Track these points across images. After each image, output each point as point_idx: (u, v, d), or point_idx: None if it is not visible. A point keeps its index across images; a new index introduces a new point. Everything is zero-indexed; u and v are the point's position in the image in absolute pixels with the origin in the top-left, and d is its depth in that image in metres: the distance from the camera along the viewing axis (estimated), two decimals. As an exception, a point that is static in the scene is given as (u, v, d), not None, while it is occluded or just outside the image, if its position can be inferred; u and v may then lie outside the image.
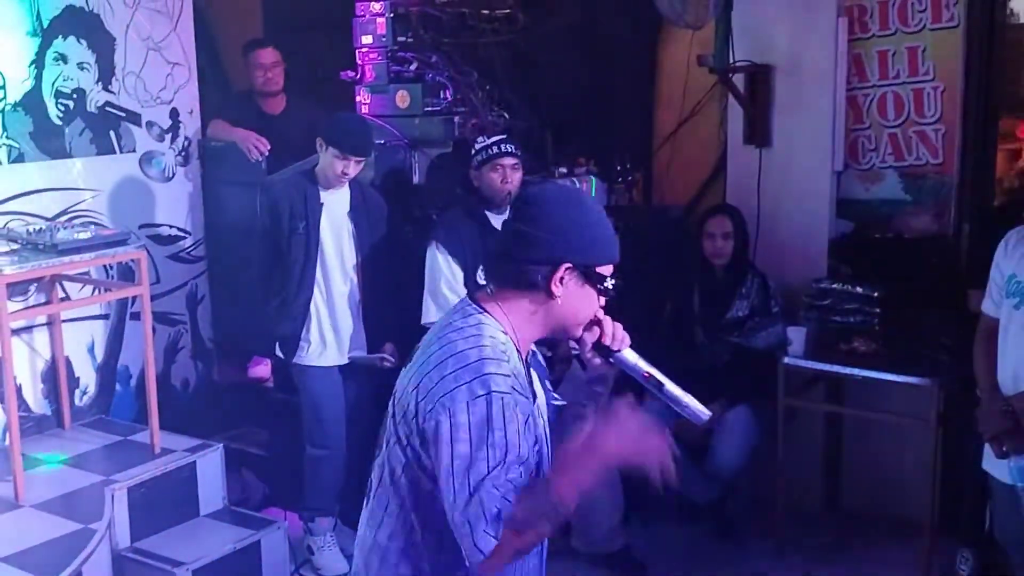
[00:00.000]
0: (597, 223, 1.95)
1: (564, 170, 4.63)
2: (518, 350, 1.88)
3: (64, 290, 4.50)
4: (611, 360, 1.93)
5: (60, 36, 4.49)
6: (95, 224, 4.53)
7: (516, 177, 3.87)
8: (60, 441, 4.46)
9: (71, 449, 4.36)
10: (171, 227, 4.98)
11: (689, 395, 1.92)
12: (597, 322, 1.94)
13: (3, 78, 4.33)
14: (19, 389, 4.43)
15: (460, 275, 3.80)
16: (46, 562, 3.44)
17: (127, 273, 4.57)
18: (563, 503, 1.75)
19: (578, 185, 4.50)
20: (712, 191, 4.89)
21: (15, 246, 4.04)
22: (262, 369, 5.05)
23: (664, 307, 4.36)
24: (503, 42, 4.75)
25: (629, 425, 1.77)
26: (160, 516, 3.99)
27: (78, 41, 4.57)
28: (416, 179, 4.43)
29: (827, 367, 4.04)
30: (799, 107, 4.45)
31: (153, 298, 4.72)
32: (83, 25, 4.57)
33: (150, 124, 4.89)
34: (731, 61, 4.40)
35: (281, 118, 5.12)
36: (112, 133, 4.75)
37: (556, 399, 2.05)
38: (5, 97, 4.34)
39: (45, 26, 4.43)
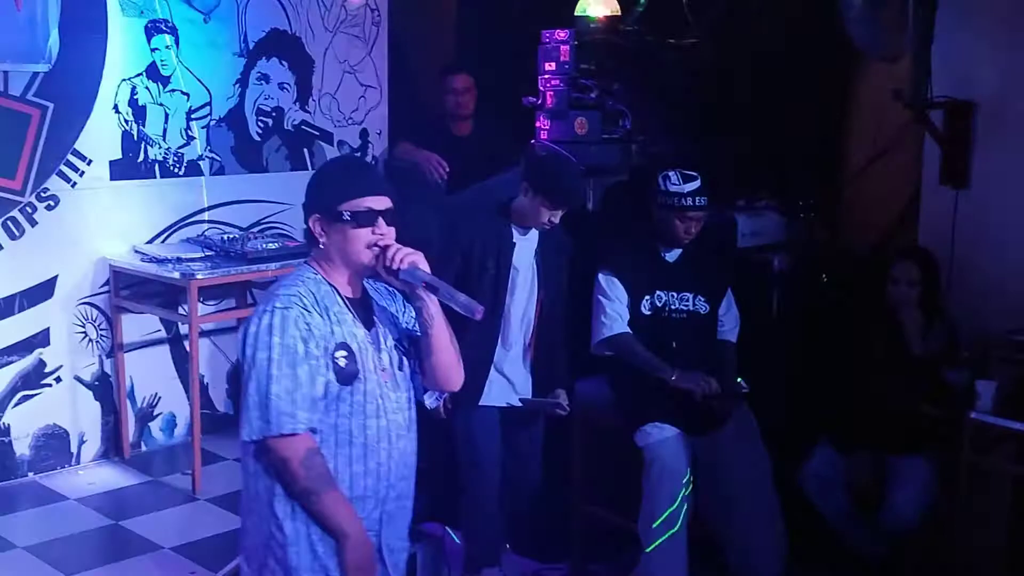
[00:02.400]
0: (332, 174, 2.39)
1: (743, 202, 4.51)
2: (336, 290, 2.29)
3: (253, 297, 4.74)
4: (401, 278, 2.24)
5: (264, 57, 4.77)
6: (284, 236, 4.76)
7: (699, 227, 3.78)
8: (239, 441, 4.68)
9: (248, 449, 4.57)
10: (355, 242, 5.17)
11: (462, 294, 2.28)
12: (383, 251, 2.25)
13: (210, 95, 4.63)
14: (205, 388, 4.71)
15: (625, 298, 3.75)
16: (212, 555, 3.61)
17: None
18: (321, 513, 2.22)
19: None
20: (903, 231, 4.64)
21: (209, 253, 4.30)
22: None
23: (841, 347, 4.15)
24: (688, 71, 4.69)
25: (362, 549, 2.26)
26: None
27: (280, 62, 4.84)
28: (590, 206, 4.42)
29: (1019, 426, 3.74)
30: (1002, 148, 4.16)
31: (333, 310, 4.91)
32: (286, 47, 4.84)
33: (341, 143, 5.11)
34: (929, 96, 4.17)
35: (467, 140, 5.24)
36: (306, 150, 4.99)
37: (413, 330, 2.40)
38: (211, 113, 4.64)
39: (251, 47, 4.71)
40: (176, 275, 4.12)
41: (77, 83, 4.28)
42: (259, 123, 4.81)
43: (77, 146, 4.32)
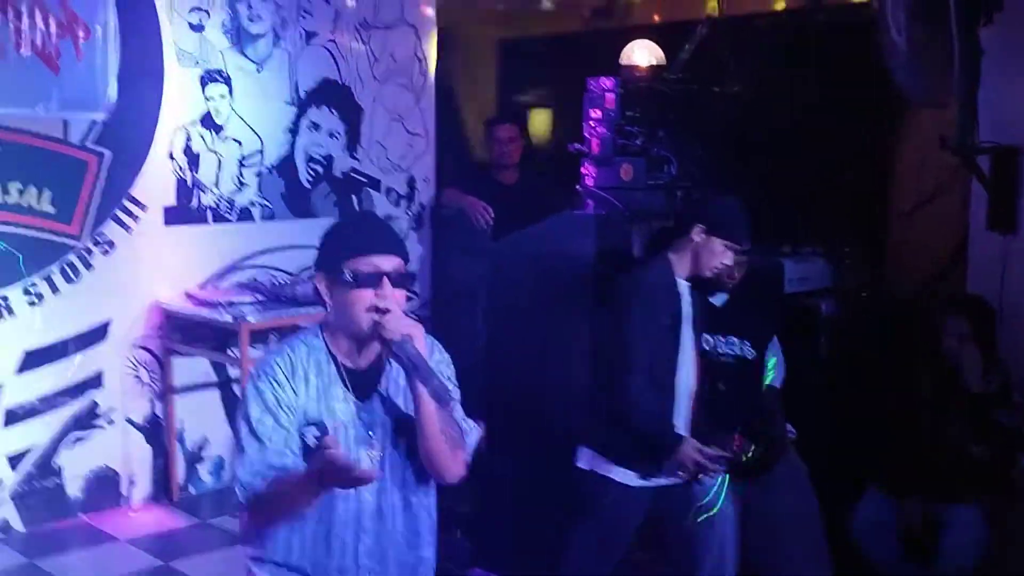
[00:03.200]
0: (339, 230, 2.26)
1: (789, 248, 4.52)
2: (332, 356, 2.18)
3: (301, 342, 4.79)
4: (392, 350, 2.11)
5: (315, 105, 4.88)
6: (332, 281, 4.83)
7: (741, 271, 3.78)
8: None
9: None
10: (401, 288, 5.22)
11: (438, 378, 2.10)
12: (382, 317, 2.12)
13: (262, 143, 4.73)
14: (254, 432, 4.75)
15: None
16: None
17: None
18: (289, 504, 2.12)
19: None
20: (951, 277, 4.61)
21: (260, 297, 4.37)
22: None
23: (892, 391, 4.12)
24: (733, 118, 4.72)
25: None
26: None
27: (330, 111, 4.94)
28: (636, 252, 4.43)
29: (1074, 473, 3.68)
30: (1051, 192, 4.15)
31: (381, 354, 4.96)
32: (336, 96, 4.95)
33: (389, 190, 5.19)
34: (976, 142, 4.17)
35: (514, 189, 5.28)
36: (354, 197, 5.07)
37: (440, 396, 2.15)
38: (263, 160, 4.74)
39: (302, 96, 4.82)
40: (228, 318, 4.19)
41: (134, 131, 4.39)
42: (309, 170, 4.90)
43: (133, 192, 4.42)
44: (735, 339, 3.81)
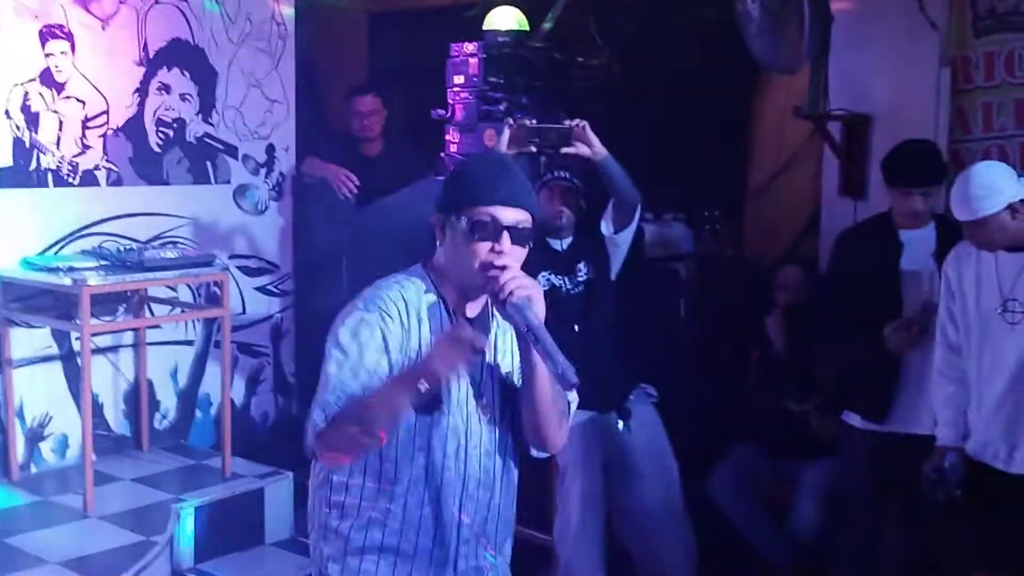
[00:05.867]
0: (464, 175, 2.04)
1: (651, 215, 4.56)
2: (443, 300, 2.01)
3: (151, 311, 4.59)
4: (507, 311, 1.92)
5: (165, 67, 4.66)
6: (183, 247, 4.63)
7: (568, 201, 3.79)
8: (136, 462, 4.51)
9: (145, 470, 4.41)
10: (260, 259, 5.06)
11: (563, 356, 1.88)
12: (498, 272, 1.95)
13: (107, 103, 4.49)
14: (100, 407, 4.52)
15: None
16: (102, 569, 3.46)
17: (214, 300, 4.63)
18: (370, 408, 1.89)
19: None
20: (806, 242, 4.74)
21: (104, 262, 4.15)
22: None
23: (750, 354, 4.21)
24: (595, 88, 4.74)
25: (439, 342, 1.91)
26: (225, 540, 4.00)
27: (182, 73, 4.73)
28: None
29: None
30: (898, 158, 4.28)
31: (237, 328, 4.79)
32: (188, 58, 4.73)
33: (246, 158, 5.01)
34: (827, 109, 4.28)
35: (378, 160, 5.17)
36: (209, 164, 4.87)
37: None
38: (108, 122, 4.51)
39: (151, 56, 4.60)
40: (67, 281, 3.95)
41: (-34, 87, 4.11)
42: (159, 134, 4.68)
43: (-36, 152, 4.14)
44: (582, 269, 3.78)
